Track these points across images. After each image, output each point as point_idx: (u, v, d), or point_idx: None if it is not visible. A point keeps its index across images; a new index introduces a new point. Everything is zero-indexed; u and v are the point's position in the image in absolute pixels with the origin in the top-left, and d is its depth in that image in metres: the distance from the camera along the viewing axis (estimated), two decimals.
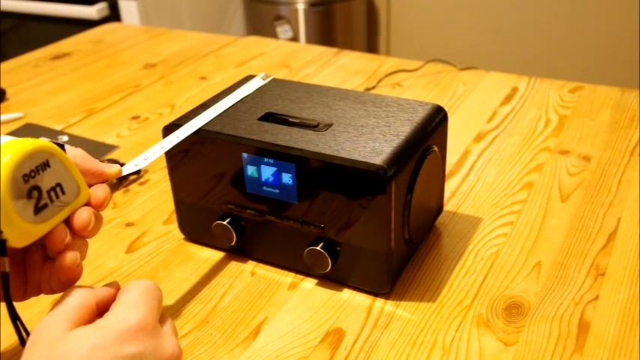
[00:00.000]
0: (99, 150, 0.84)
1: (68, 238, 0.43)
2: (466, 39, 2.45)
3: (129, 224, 0.69)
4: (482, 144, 0.83)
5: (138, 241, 0.66)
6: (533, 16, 2.32)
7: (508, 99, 0.95)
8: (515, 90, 0.98)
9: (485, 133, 0.85)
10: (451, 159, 0.79)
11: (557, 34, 2.32)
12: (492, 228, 0.66)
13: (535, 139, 0.83)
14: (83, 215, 0.43)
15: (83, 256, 0.45)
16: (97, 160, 0.47)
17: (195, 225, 0.64)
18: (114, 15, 2.07)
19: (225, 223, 0.60)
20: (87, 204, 0.45)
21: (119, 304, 0.40)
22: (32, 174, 0.40)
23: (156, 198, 0.74)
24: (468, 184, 0.74)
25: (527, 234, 0.64)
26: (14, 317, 0.41)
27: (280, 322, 0.55)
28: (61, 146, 0.43)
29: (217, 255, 0.63)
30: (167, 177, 0.63)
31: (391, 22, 2.60)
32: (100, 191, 0.45)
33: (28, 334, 0.43)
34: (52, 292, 0.45)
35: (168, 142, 0.55)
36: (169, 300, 0.58)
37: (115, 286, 0.43)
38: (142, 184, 0.77)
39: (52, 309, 0.40)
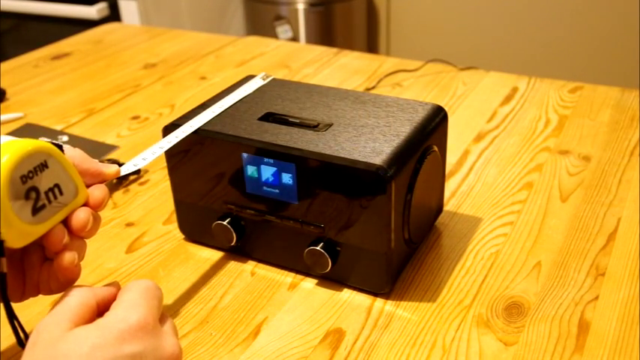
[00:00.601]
0: (99, 150, 0.84)
1: (66, 239, 0.43)
2: (466, 39, 2.45)
3: (129, 224, 0.69)
4: (482, 144, 0.83)
5: (138, 241, 0.66)
6: (533, 16, 2.32)
7: (508, 99, 0.95)
8: (515, 90, 0.98)
9: (485, 133, 0.85)
10: (451, 159, 0.79)
11: (557, 34, 2.32)
12: (492, 228, 0.66)
13: (535, 139, 0.83)
14: (81, 216, 0.43)
15: (81, 257, 0.45)
16: (96, 161, 0.47)
17: (195, 225, 0.64)
18: (114, 15, 2.07)
19: (225, 223, 0.60)
20: (85, 204, 0.45)
21: (119, 304, 0.40)
22: (30, 175, 0.40)
23: (156, 198, 0.74)
24: (468, 184, 0.74)
25: (527, 234, 0.64)
26: (12, 318, 0.41)
27: (280, 322, 0.55)
28: (59, 147, 0.43)
29: (217, 255, 0.63)
30: (167, 177, 0.63)
31: (391, 22, 2.60)
32: (98, 192, 0.45)
33: (25, 334, 0.43)
34: (50, 292, 0.45)
35: (167, 142, 0.55)
36: (169, 300, 0.58)
37: (116, 286, 0.43)
38: (142, 184, 0.77)
39: (52, 309, 0.40)
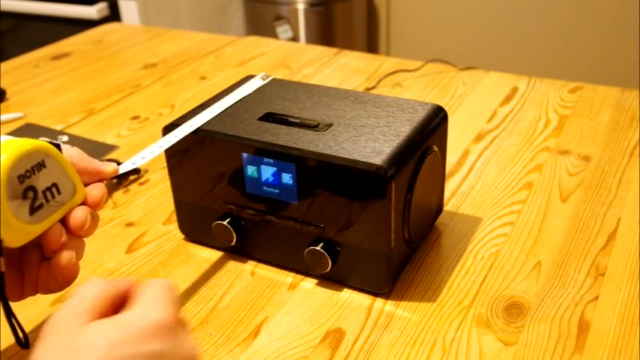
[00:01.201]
0: (99, 150, 0.84)
1: (64, 238, 0.43)
2: (466, 39, 2.45)
3: (129, 224, 0.69)
4: (482, 144, 0.83)
5: (138, 241, 0.66)
6: (533, 16, 2.32)
7: (508, 99, 0.95)
8: (515, 90, 0.98)
9: (485, 133, 0.85)
10: (451, 159, 0.79)
11: (557, 34, 2.31)
12: (492, 228, 0.66)
13: (535, 139, 0.83)
14: (79, 215, 0.43)
15: (80, 256, 0.44)
16: (94, 159, 0.47)
17: (195, 225, 0.64)
18: (114, 15, 2.07)
19: (225, 223, 0.60)
20: (83, 203, 0.45)
21: (140, 301, 0.39)
22: (28, 174, 0.40)
23: (156, 198, 0.74)
24: (468, 184, 0.74)
25: (527, 234, 0.64)
26: (10, 317, 0.41)
27: (280, 322, 0.55)
28: (57, 146, 0.43)
29: (217, 255, 0.63)
30: (167, 177, 0.63)
31: (391, 22, 2.60)
32: (96, 190, 0.45)
33: (24, 333, 0.43)
34: (48, 291, 0.45)
35: (167, 141, 0.55)
36: None
37: (133, 282, 0.41)
38: (142, 184, 0.77)
39: (67, 300, 0.38)
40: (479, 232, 0.65)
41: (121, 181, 0.77)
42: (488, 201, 0.70)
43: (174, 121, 0.60)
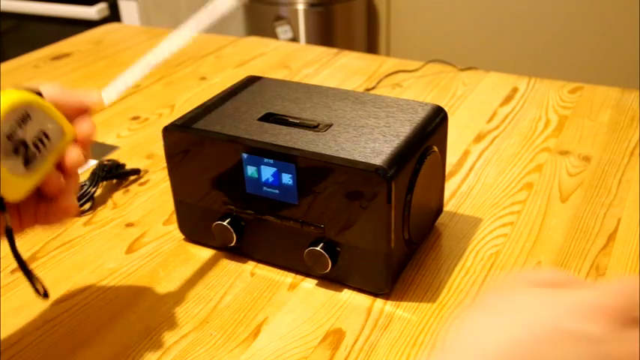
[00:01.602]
0: (99, 150, 0.84)
1: (62, 182, 0.43)
2: (466, 39, 2.45)
3: (129, 224, 0.69)
4: (482, 144, 0.83)
5: (138, 241, 0.66)
6: (533, 16, 2.32)
7: (508, 99, 0.95)
8: (515, 90, 0.98)
9: (485, 134, 0.85)
10: (451, 159, 0.79)
11: (557, 34, 2.32)
12: (492, 228, 0.66)
13: (535, 139, 0.83)
14: (73, 155, 0.44)
15: (76, 191, 0.45)
16: (76, 93, 0.47)
17: (195, 225, 0.64)
18: (114, 15, 2.07)
19: (225, 223, 0.60)
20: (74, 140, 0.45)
21: (587, 285, 0.35)
22: (15, 130, 0.41)
23: (156, 198, 0.74)
24: (468, 184, 0.74)
25: (527, 234, 0.64)
26: (27, 271, 0.42)
27: (280, 323, 0.55)
28: (38, 93, 0.43)
29: (217, 255, 0.63)
30: (167, 177, 0.63)
31: (391, 22, 2.60)
32: (84, 125, 0.46)
33: (44, 287, 0.43)
34: (48, 224, 0.46)
35: (144, 65, 0.54)
36: (169, 300, 0.58)
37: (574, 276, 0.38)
38: (142, 184, 0.77)
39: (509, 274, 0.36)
40: (479, 232, 0.65)
41: (121, 181, 0.77)
42: (488, 201, 0.70)
43: (175, 121, 0.60)
